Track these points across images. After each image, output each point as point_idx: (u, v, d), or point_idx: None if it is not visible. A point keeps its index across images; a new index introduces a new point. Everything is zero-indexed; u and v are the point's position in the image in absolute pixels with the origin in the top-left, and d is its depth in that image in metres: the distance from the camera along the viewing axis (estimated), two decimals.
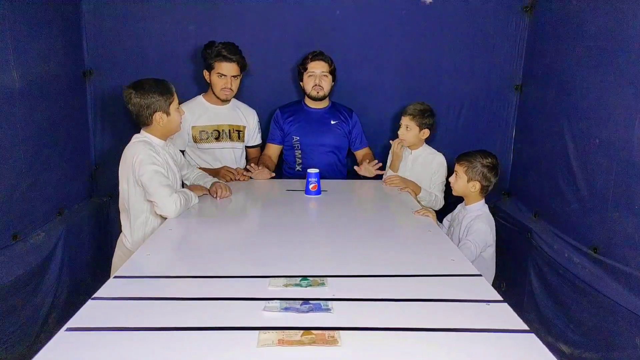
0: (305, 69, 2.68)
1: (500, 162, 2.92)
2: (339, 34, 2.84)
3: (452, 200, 2.46)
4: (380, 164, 2.60)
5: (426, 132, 2.62)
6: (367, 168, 2.59)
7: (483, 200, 2.23)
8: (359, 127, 2.83)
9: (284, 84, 2.91)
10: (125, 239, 2.10)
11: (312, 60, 2.66)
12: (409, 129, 2.59)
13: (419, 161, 2.65)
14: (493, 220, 2.22)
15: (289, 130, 2.77)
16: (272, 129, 2.81)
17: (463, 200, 2.29)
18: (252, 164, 2.61)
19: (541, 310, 2.39)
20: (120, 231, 2.18)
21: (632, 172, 1.82)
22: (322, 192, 2.35)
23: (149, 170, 1.93)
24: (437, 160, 2.62)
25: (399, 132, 2.64)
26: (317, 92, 2.69)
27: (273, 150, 2.82)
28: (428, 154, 2.65)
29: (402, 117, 2.64)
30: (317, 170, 2.34)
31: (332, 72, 2.71)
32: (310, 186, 2.33)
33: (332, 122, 2.78)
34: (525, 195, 2.79)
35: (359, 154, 2.86)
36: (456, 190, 2.24)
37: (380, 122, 2.94)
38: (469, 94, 2.91)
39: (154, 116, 2.00)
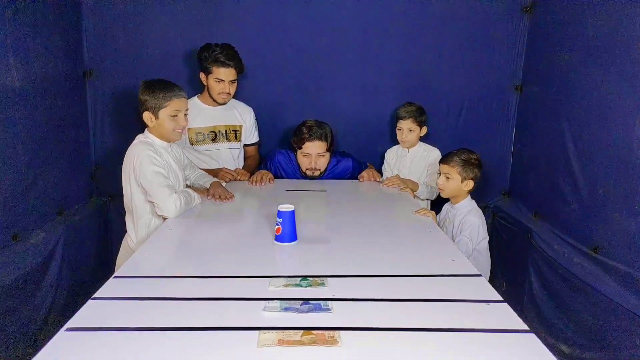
0: (300, 148, 2.50)
1: (500, 162, 2.97)
2: (339, 34, 2.84)
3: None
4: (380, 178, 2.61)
5: (424, 130, 2.68)
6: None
7: (469, 196, 2.28)
8: (357, 169, 2.70)
9: (283, 84, 2.91)
10: (130, 239, 2.10)
11: (310, 140, 2.46)
12: (413, 131, 2.64)
13: (417, 159, 2.70)
14: (482, 213, 2.28)
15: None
16: (265, 167, 2.68)
17: (447, 201, 2.34)
18: (241, 170, 2.59)
19: (541, 310, 2.39)
20: (122, 231, 2.18)
21: (632, 172, 1.82)
22: (297, 238, 1.71)
23: (149, 171, 1.93)
24: (434, 155, 2.67)
25: (402, 137, 2.66)
26: (313, 173, 2.54)
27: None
28: (424, 151, 2.71)
29: (401, 121, 2.65)
30: (291, 208, 1.68)
31: (330, 147, 2.52)
32: (275, 228, 1.69)
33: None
34: (525, 195, 2.79)
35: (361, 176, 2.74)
36: (449, 193, 2.25)
37: (380, 122, 2.94)
38: (469, 94, 2.91)
39: (143, 114, 2.01)
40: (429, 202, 2.71)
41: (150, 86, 2.01)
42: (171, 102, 2.01)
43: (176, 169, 2.11)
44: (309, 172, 2.56)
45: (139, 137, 2.06)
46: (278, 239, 1.68)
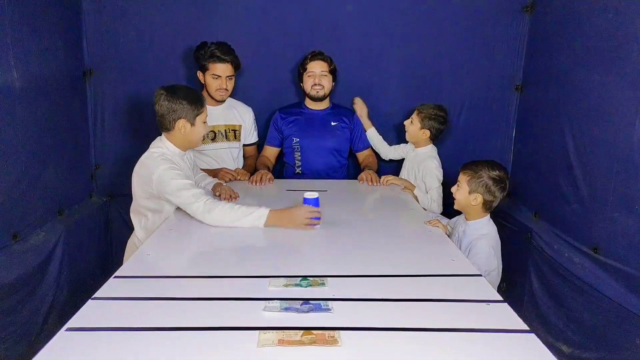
0: (305, 69, 2.67)
1: (500, 162, 2.93)
2: (340, 34, 2.84)
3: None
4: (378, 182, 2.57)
5: (426, 133, 2.60)
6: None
7: (488, 217, 2.01)
8: (359, 128, 2.82)
9: (284, 83, 2.91)
10: (137, 240, 2.08)
11: (312, 60, 2.65)
12: (412, 123, 2.63)
13: (418, 159, 2.65)
14: (499, 242, 2.00)
15: (288, 133, 2.75)
16: (271, 131, 2.79)
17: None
18: (241, 170, 2.62)
19: (541, 310, 2.39)
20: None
21: (632, 172, 1.82)
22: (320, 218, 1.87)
23: (171, 186, 1.87)
24: (427, 162, 2.57)
25: (405, 122, 2.68)
26: (317, 92, 2.67)
27: (271, 152, 2.81)
28: (425, 154, 2.63)
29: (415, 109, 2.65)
30: (316, 195, 1.90)
31: (332, 72, 2.70)
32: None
33: (333, 124, 2.76)
34: (525, 195, 2.79)
35: (361, 155, 2.85)
36: (457, 202, 2.03)
37: (381, 122, 2.93)
38: (469, 94, 2.91)
39: (177, 122, 1.95)
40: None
41: (183, 93, 1.96)
42: (205, 108, 2.03)
43: (190, 178, 2.07)
44: (313, 91, 2.68)
45: (157, 146, 2.00)
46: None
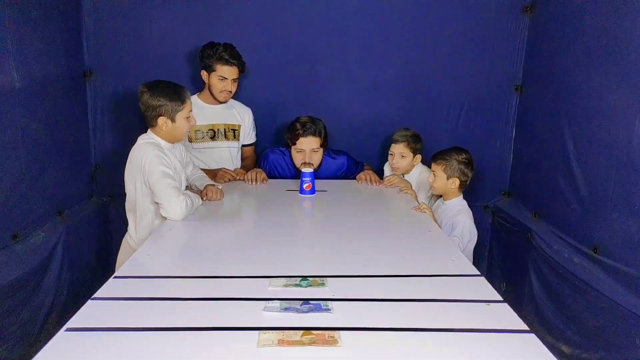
0: (294, 144, 2.50)
1: (500, 162, 2.97)
2: (339, 34, 2.84)
3: None
4: (380, 184, 2.54)
5: (418, 158, 2.57)
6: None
7: (461, 195, 2.32)
8: (351, 166, 2.70)
9: (283, 84, 2.91)
10: (130, 239, 2.10)
11: (303, 135, 2.46)
12: (404, 157, 2.54)
13: (416, 182, 2.57)
14: (472, 214, 2.31)
15: (277, 174, 2.68)
16: (260, 167, 2.66)
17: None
18: (239, 170, 2.60)
19: (541, 310, 2.39)
20: (122, 231, 2.19)
21: (632, 172, 1.82)
22: (316, 191, 2.35)
23: (158, 171, 1.91)
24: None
25: (392, 162, 2.57)
26: (306, 169, 2.51)
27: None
28: (420, 173, 2.57)
29: (393, 145, 2.55)
30: (311, 170, 2.34)
31: (324, 143, 2.52)
32: (305, 185, 2.33)
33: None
34: (525, 195, 2.79)
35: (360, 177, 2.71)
36: (437, 189, 2.33)
37: (380, 122, 2.94)
38: (469, 94, 2.91)
39: (157, 119, 1.97)
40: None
41: (163, 90, 1.96)
42: (186, 104, 2.01)
43: (180, 170, 2.09)
44: (302, 168, 2.54)
45: (143, 138, 2.03)
46: (309, 193, 2.32)
